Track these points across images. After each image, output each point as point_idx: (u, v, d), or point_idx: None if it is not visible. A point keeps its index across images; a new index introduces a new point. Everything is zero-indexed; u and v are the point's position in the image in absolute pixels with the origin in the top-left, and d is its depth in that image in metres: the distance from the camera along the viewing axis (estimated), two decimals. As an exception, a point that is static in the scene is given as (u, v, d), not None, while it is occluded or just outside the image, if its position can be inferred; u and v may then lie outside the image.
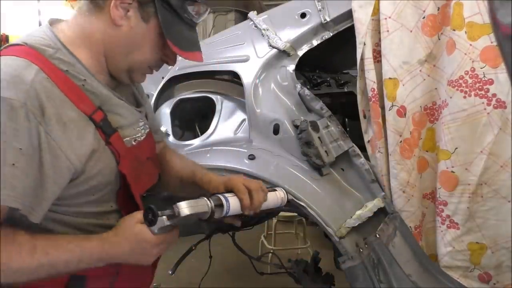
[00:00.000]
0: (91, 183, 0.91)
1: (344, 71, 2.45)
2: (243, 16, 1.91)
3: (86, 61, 0.94)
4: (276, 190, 1.19)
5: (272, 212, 2.37)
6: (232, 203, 1.04)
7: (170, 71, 1.84)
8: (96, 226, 0.95)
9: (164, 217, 0.91)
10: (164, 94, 1.86)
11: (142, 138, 1.07)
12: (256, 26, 1.67)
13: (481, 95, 1.31)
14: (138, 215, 0.92)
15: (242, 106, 1.66)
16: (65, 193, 0.88)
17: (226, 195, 1.04)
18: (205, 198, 0.99)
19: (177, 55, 1.04)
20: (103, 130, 0.93)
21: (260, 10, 1.97)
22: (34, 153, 0.81)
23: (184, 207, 0.93)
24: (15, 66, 0.83)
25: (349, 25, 1.53)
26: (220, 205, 1.01)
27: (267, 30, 1.62)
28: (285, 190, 1.22)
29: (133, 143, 1.03)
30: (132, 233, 0.90)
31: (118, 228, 0.91)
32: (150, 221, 0.90)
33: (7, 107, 0.79)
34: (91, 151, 0.89)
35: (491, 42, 1.29)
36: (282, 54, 1.59)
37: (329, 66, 2.22)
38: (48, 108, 0.83)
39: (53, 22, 0.97)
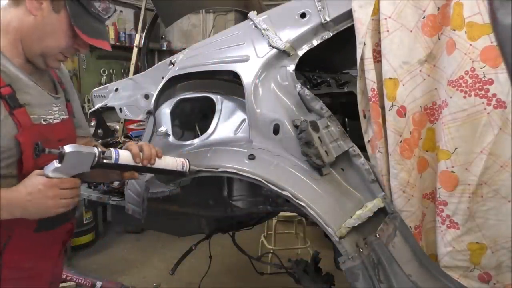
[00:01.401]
0: None
1: (344, 71, 2.45)
2: (243, 16, 1.91)
3: (4, 46, 1.15)
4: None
5: (272, 212, 2.38)
6: (122, 153, 1.20)
7: (170, 71, 1.84)
8: None
9: (55, 161, 1.07)
10: (164, 94, 1.86)
11: (55, 121, 1.26)
12: (256, 26, 1.66)
13: (481, 95, 1.31)
14: (38, 169, 1.09)
15: (242, 106, 1.66)
16: None
17: (117, 149, 1.22)
18: (96, 148, 1.16)
19: (89, 44, 1.23)
20: (7, 102, 1.11)
21: (260, 10, 1.97)
22: None
23: (69, 148, 1.08)
24: None
25: (349, 25, 1.53)
26: (108, 154, 1.16)
27: (267, 30, 1.62)
28: (187, 160, 1.38)
29: (43, 122, 1.21)
30: (30, 180, 1.08)
31: (22, 182, 1.09)
32: (36, 154, 1.07)
33: None
34: None
35: (491, 42, 1.29)
36: (282, 54, 1.59)
37: (329, 66, 2.22)
38: None
39: None
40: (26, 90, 1.18)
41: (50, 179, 1.07)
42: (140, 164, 1.23)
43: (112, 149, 1.18)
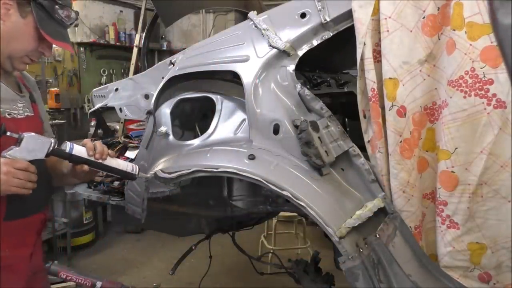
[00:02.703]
0: None
1: (344, 71, 2.45)
2: (243, 16, 1.91)
3: None
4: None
5: (272, 212, 2.38)
6: (77, 146, 1.31)
7: (170, 71, 1.84)
8: None
9: (13, 145, 1.18)
10: (164, 94, 1.86)
11: (20, 116, 1.36)
12: (256, 26, 1.66)
13: (481, 95, 1.31)
14: None
15: (242, 106, 1.66)
16: None
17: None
18: (51, 139, 1.26)
19: (52, 47, 1.36)
20: None
21: (260, 10, 1.96)
22: None
23: (26, 132, 1.19)
24: None
25: (349, 25, 1.53)
26: (63, 146, 1.27)
27: (267, 30, 1.62)
28: (136, 165, 1.47)
29: (7, 115, 1.31)
30: None
31: None
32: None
33: None
34: None
35: (491, 42, 1.29)
36: (282, 54, 1.59)
37: (329, 66, 2.22)
38: None
39: None
40: None
41: (5, 159, 1.18)
42: (92, 158, 1.33)
43: (68, 142, 1.31)
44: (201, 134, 1.77)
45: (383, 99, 1.43)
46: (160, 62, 2.04)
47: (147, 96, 2.04)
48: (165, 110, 1.84)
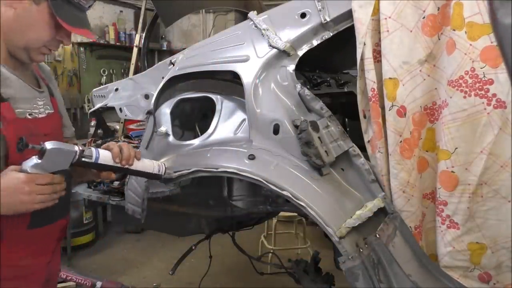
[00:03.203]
0: None
1: (344, 71, 2.45)
2: (243, 16, 1.91)
3: None
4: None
5: (272, 212, 2.38)
6: (102, 152, 1.20)
7: (170, 71, 1.84)
8: None
9: (34, 157, 1.06)
10: (164, 94, 1.86)
11: (41, 115, 1.24)
12: (256, 26, 1.66)
13: (481, 95, 1.31)
14: (16, 166, 1.07)
15: (242, 106, 1.66)
16: None
17: (98, 148, 1.22)
18: (76, 146, 1.15)
19: (71, 34, 1.24)
20: None
21: (260, 10, 1.96)
22: None
23: (50, 145, 1.06)
24: None
25: (349, 25, 1.53)
26: (88, 152, 1.16)
27: (267, 30, 1.62)
28: (163, 164, 1.40)
29: (28, 116, 1.19)
30: (5, 175, 1.05)
31: None
32: (19, 149, 1.04)
33: None
34: None
35: (491, 42, 1.29)
36: (282, 54, 1.59)
37: (329, 66, 2.22)
38: None
39: None
40: (9, 83, 1.16)
41: (27, 174, 1.05)
42: (118, 165, 1.24)
43: (93, 148, 1.19)
44: (201, 134, 1.77)
45: (383, 99, 1.43)
46: (160, 62, 2.04)
47: (147, 96, 2.04)
48: (165, 110, 1.84)
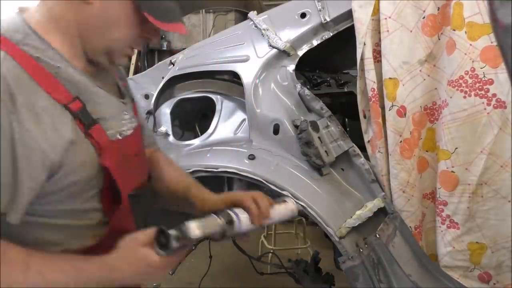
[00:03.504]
0: (72, 178, 0.83)
1: (344, 71, 2.45)
2: (243, 16, 1.91)
3: (60, 46, 0.86)
4: (285, 201, 1.10)
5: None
6: (242, 217, 0.95)
7: (170, 71, 1.84)
8: (80, 228, 0.88)
9: (173, 239, 0.83)
10: (164, 94, 1.86)
11: (129, 132, 0.98)
12: (256, 26, 1.67)
13: (481, 95, 1.31)
14: (140, 236, 0.84)
15: (242, 106, 1.66)
16: (46, 189, 0.81)
17: (235, 210, 0.95)
18: (215, 216, 0.91)
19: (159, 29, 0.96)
20: (81, 120, 0.84)
21: (260, 10, 1.97)
22: (7, 145, 0.74)
23: (195, 229, 0.84)
24: None
25: (349, 25, 1.53)
26: (230, 222, 0.92)
27: (267, 30, 1.62)
28: (293, 200, 1.14)
29: (119, 136, 0.94)
30: (136, 258, 0.83)
31: (120, 252, 0.83)
32: (162, 245, 0.82)
33: None
34: (68, 143, 0.81)
35: (491, 42, 1.29)
36: (282, 54, 1.59)
37: (329, 66, 2.22)
38: (19, 96, 0.75)
39: (22, 10, 0.90)
40: (96, 100, 0.90)
41: (163, 259, 0.83)
42: (257, 225, 0.99)
43: (232, 213, 0.94)
44: (201, 134, 1.77)
45: (383, 99, 1.43)
46: (160, 62, 2.04)
47: (147, 96, 2.04)
48: (165, 110, 1.84)
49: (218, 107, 1.74)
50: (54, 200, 0.83)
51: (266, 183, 1.43)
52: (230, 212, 0.93)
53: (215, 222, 0.89)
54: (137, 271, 0.83)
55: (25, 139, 0.76)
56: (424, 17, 1.41)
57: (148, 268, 0.83)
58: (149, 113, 1.88)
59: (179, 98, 1.83)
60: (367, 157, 1.50)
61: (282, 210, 1.07)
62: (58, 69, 0.84)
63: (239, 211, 0.96)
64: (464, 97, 1.32)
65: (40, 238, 0.82)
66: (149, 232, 0.84)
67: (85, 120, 0.85)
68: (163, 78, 1.86)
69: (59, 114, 0.81)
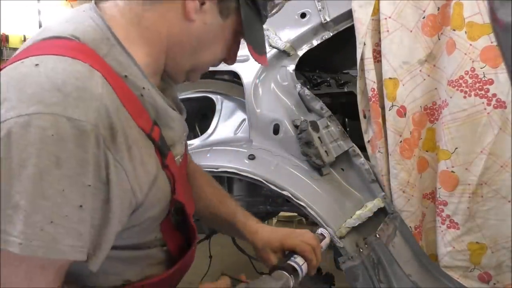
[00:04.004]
0: (147, 214, 0.73)
1: (344, 71, 2.45)
2: (243, 16, 1.90)
3: (142, 60, 0.71)
4: (324, 237, 1.13)
5: (272, 212, 2.37)
6: (304, 267, 0.95)
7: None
8: (138, 259, 0.80)
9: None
10: (164, 94, 1.86)
11: (183, 153, 0.86)
12: (256, 26, 1.66)
13: (481, 95, 1.31)
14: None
15: (242, 106, 1.66)
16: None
17: (297, 260, 0.95)
18: (286, 274, 0.90)
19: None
20: (160, 151, 0.73)
21: (260, 10, 1.96)
22: (102, 188, 0.61)
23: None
24: (76, 73, 0.60)
25: (349, 25, 1.53)
26: (296, 276, 0.92)
27: (267, 30, 1.62)
28: (326, 230, 1.17)
29: (180, 160, 0.84)
30: None
31: None
32: None
33: (75, 130, 0.57)
34: (153, 179, 0.71)
35: (491, 42, 1.29)
36: (282, 54, 1.59)
37: (329, 66, 2.22)
38: (118, 129, 0.62)
39: (98, 7, 0.72)
40: (171, 124, 0.78)
41: None
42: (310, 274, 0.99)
43: (298, 268, 0.93)
44: (201, 134, 1.77)
45: (383, 99, 1.43)
46: (160, 62, 2.04)
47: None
48: (165, 110, 1.84)
49: (218, 107, 1.74)
50: (123, 237, 0.72)
51: (266, 183, 1.43)
52: (296, 266, 0.92)
53: (288, 280, 0.88)
54: None
55: (121, 179, 0.64)
56: (424, 17, 1.41)
57: None
58: (149, 113, 1.88)
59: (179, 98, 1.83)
60: (367, 157, 1.50)
61: (324, 247, 1.09)
62: (143, 91, 0.70)
63: (299, 260, 0.95)
64: (464, 97, 1.32)
65: (102, 269, 0.68)
66: (221, 283, 0.86)
67: (162, 150, 0.74)
68: (163, 78, 1.86)
69: (145, 146, 0.69)
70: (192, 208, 0.88)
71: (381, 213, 1.45)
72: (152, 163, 0.71)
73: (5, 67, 0.64)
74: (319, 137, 1.47)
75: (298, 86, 1.56)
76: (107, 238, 0.64)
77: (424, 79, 1.43)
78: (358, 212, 1.42)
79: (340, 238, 1.36)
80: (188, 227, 0.85)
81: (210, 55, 0.82)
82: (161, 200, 0.75)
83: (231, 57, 0.87)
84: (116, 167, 0.62)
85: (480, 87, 1.31)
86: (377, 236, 1.39)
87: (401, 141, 1.42)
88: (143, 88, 0.70)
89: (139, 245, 0.78)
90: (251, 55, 0.84)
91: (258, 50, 0.85)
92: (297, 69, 1.60)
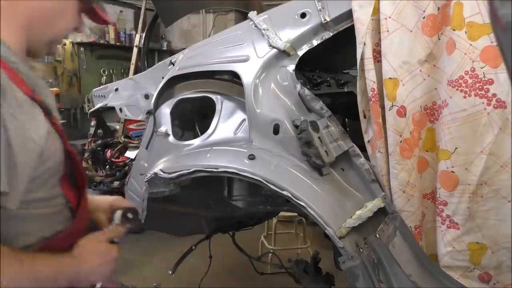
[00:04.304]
0: (47, 164, 0.88)
1: (344, 71, 2.45)
2: (243, 16, 1.91)
3: (9, 38, 0.85)
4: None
5: (272, 212, 2.37)
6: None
7: (170, 71, 1.84)
8: (49, 215, 0.94)
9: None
10: (164, 94, 1.86)
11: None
12: (256, 26, 1.66)
13: (481, 95, 1.31)
14: (100, 236, 1.02)
15: (242, 106, 1.66)
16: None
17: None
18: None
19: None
20: (46, 111, 0.88)
21: (260, 10, 1.96)
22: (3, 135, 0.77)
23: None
24: None
25: (349, 25, 1.53)
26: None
27: (267, 30, 1.62)
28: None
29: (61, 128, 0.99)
30: (100, 251, 0.99)
31: (86, 246, 0.97)
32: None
33: None
34: (47, 132, 0.87)
35: (491, 42, 1.29)
36: (282, 54, 1.59)
37: (329, 66, 2.22)
38: (8, 90, 0.79)
39: None
40: (44, 92, 0.94)
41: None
42: None
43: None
44: (201, 134, 1.77)
45: (383, 99, 1.43)
46: (160, 62, 2.04)
47: (147, 96, 2.04)
48: (165, 110, 1.84)
49: (218, 107, 1.74)
50: (28, 189, 0.86)
51: (266, 183, 1.43)
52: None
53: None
54: (101, 262, 0.97)
55: (18, 129, 0.79)
56: (424, 17, 1.41)
57: (110, 260, 0.99)
58: (149, 113, 1.88)
59: (179, 98, 1.83)
60: (367, 157, 1.50)
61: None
62: (14, 64, 0.85)
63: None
64: (464, 97, 1.32)
65: (20, 230, 0.88)
66: (106, 232, 1.04)
67: (48, 110, 0.89)
68: (163, 78, 1.86)
69: (33, 106, 0.85)
70: (80, 161, 1.05)
71: (381, 213, 1.45)
72: (42, 120, 0.86)
73: None
74: (319, 137, 1.46)
75: (298, 86, 1.56)
76: (19, 179, 0.80)
77: (424, 79, 1.43)
78: (358, 212, 1.42)
79: (340, 238, 1.36)
80: (78, 177, 1.00)
81: (65, 22, 0.96)
82: (57, 152, 0.90)
83: (80, 24, 1.02)
84: (11, 119, 0.78)
85: (480, 87, 1.31)
86: (377, 236, 1.39)
87: (401, 141, 1.42)
88: (14, 62, 0.84)
89: (48, 199, 0.92)
90: (102, 16, 1.01)
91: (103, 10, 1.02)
92: (297, 69, 1.60)
